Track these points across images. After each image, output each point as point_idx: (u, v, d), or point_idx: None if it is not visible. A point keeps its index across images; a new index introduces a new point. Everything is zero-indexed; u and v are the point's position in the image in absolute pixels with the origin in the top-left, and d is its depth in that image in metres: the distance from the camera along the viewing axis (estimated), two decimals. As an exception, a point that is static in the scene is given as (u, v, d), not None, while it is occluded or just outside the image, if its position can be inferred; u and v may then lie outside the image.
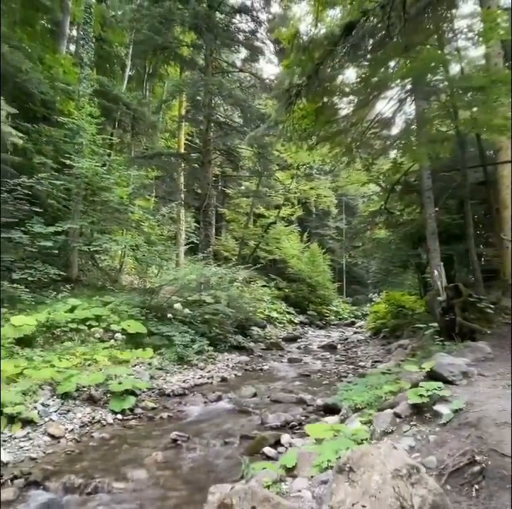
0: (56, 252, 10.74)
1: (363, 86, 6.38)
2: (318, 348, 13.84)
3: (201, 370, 8.59)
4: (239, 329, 13.20)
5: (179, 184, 16.29)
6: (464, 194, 10.43)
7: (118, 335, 8.23)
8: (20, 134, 9.85)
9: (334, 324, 25.29)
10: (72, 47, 20.96)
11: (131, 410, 5.73)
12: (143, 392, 6.45)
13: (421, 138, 9.69)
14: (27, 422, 4.78)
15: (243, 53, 17.23)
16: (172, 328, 9.53)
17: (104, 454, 4.32)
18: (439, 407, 3.09)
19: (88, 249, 11.65)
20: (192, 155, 16.75)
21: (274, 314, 21.14)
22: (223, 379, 8.05)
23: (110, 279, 13.24)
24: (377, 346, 13.01)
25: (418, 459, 2.48)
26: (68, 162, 10.91)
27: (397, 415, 3.28)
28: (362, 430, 3.26)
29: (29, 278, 9.31)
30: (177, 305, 10.02)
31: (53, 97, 13.49)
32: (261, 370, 9.47)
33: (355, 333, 19.02)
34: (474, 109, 8.83)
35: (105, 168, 11.86)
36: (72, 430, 4.90)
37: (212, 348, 10.25)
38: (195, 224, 21.74)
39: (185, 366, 8.50)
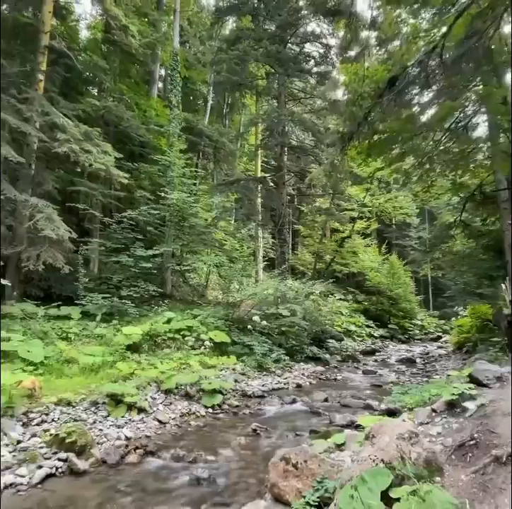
0: (154, 271, 12.57)
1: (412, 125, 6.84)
2: (396, 361, 13.89)
3: (279, 376, 9.47)
4: (315, 340, 13.83)
5: (256, 205, 17.63)
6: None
7: (206, 343, 9.48)
8: (124, 174, 11.79)
9: (418, 339, 24.35)
10: (160, 83, 23.79)
11: (219, 406, 6.82)
12: (229, 392, 7.52)
13: (498, 148, 9.64)
14: (141, 410, 6.08)
15: (314, 78, 18.19)
16: (252, 338, 10.59)
17: (199, 437, 5.43)
18: (467, 403, 3.58)
19: (180, 268, 13.38)
20: (268, 178, 18.04)
21: (352, 328, 21.15)
22: (298, 386, 8.84)
23: (198, 294, 14.85)
24: (458, 360, 12.72)
25: (441, 439, 3.08)
26: (162, 194, 12.75)
27: (433, 410, 3.81)
28: (405, 422, 3.85)
29: (134, 295, 11.10)
30: (256, 318, 11.06)
31: (148, 137, 15.71)
32: (335, 379, 10.05)
33: (439, 347, 18.42)
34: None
35: (192, 198, 13.52)
36: (174, 418, 6.11)
37: (288, 357, 11.07)
38: (273, 240, 22.97)
39: (264, 373, 9.47)
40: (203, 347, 9.39)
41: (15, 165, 9.66)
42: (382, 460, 2.33)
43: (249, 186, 16.36)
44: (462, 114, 9.28)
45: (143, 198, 13.48)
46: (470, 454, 2.59)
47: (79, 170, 11.40)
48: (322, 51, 18.02)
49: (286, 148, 16.17)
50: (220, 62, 15.58)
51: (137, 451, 4.86)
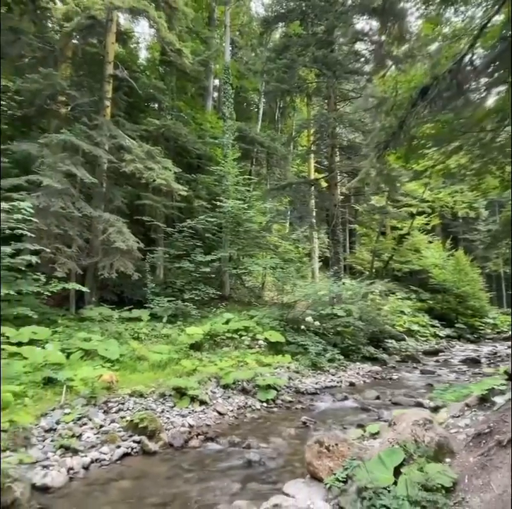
0: (213, 275, 13.42)
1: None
2: (459, 362, 13.44)
3: (332, 375, 9.75)
4: (373, 341, 13.80)
5: (310, 207, 17.90)
6: None
7: (261, 342, 10.03)
8: (183, 187, 12.71)
9: (489, 338, 22.97)
10: (215, 93, 24.89)
11: (273, 400, 7.32)
12: (283, 388, 7.98)
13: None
14: (203, 402, 6.76)
15: (364, 77, 18.04)
16: (306, 338, 10.96)
17: (254, 427, 5.97)
18: (496, 398, 3.69)
19: (236, 271, 14.12)
20: (320, 179, 18.25)
21: (415, 327, 20.57)
22: (352, 384, 9.07)
23: (254, 296, 15.48)
24: (528, 361, 12.04)
25: (467, 429, 3.28)
26: (218, 203, 13.55)
27: (466, 405, 3.95)
28: (440, 415, 4.05)
29: (195, 298, 12.00)
30: (309, 318, 11.40)
31: (204, 149, 16.67)
32: (390, 379, 10.10)
33: (509, 347, 17.36)
34: None
35: (246, 204, 14.18)
36: (232, 410, 6.72)
37: (343, 357, 11.26)
38: (328, 240, 23.04)
39: (318, 371, 9.81)
40: (258, 346, 9.94)
41: (90, 184, 10.93)
42: (397, 442, 2.67)
43: (302, 189, 16.67)
44: None
45: (201, 207, 14.38)
46: (484, 441, 2.80)
47: (144, 184, 12.54)
48: (372, 48, 17.83)
49: (336, 149, 16.27)
50: (269, 71, 16.11)
51: (199, 437, 5.52)
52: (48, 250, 9.21)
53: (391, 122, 5.77)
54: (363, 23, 17.87)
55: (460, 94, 4.79)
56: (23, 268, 8.58)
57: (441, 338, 20.94)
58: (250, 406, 6.98)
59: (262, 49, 23.61)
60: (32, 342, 7.66)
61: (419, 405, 6.79)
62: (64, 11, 11.01)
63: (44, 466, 4.36)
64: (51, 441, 4.89)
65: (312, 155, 19.92)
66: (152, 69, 19.35)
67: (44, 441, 4.89)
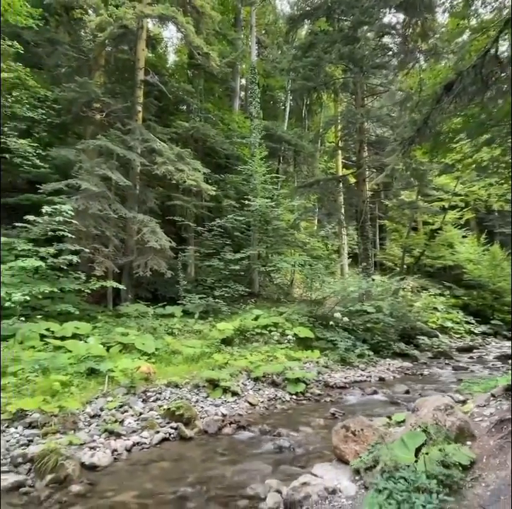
0: (242, 273, 13.73)
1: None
2: (493, 358, 13.13)
3: (362, 370, 9.82)
4: (404, 337, 13.70)
5: (338, 203, 17.89)
6: None
7: (289, 338, 10.23)
8: (212, 187, 13.06)
9: (529, 336, 22.14)
10: (242, 92, 25.17)
11: (303, 393, 7.51)
12: (312, 382, 8.15)
13: None
14: (234, 393, 7.04)
15: (392, 71, 17.81)
16: (335, 334, 11.06)
17: (283, 417, 6.19)
18: None
19: (265, 269, 14.36)
20: (348, 175, 18.19)
21: (449, 324, 20.17)
22: (381, 379, 9.11)
23: (283, 293, 15.68)
24: None
25: (491, 417, 3.36)
26: (246, 202, 13.83)
27: (492, 395, 3.99)
28: (467, 406, 4.12)
29: (225, 295, 12.34)
30: (337, 315, 11.48)
31: (232, 149, 16.99)
32: (421, 374, 10.05)
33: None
34: None
35: (273, 202, 14.39)
36: (262, 401, 6.97)
37: (373, 353, 11.28)
38: (357, 236, 22.87)
39: (347, 366, 9.90)
40: (287, 342, 10.13)
41: (124, 187, 11.46)
42: (419, 426, 2.82)
43: (329, 185, 16.69)
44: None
45: (230, 206, 14.71)
46: (505, 427, 2.89)
47: (175, 185, 12.99)
48: (399, 41, 17.58)
49: (364, 145, 16.19)
50: (295, 70, 16.21)
51: (231, 425, 5.80)
52: (87, 250, 9.78)
53: (416, 118, 5.79)
54: (389, 17, 17.54)
55: (485, 88, 4.79)
56: (65, 268, 9.18)
57: (476, 335, 20.38)
58: (280, 398, 7.21)
59: (288, 46, 23.70)
60: (74, 336, 8.20)
61: (457, 402, 6.79)
62: (97, 23, 11.54)
63: (91, 448, 4.75)
64: (97, 426, 5.30)
65: (339, 152, 19.87)
66: (180, 72, 19.86)
67: (90, 426, 5.31)
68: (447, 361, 12.43)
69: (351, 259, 21.96)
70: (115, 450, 4.77)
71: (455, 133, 6.90)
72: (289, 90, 19.71)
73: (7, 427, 5.00)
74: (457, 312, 22.10)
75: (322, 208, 18.01)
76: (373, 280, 14.58)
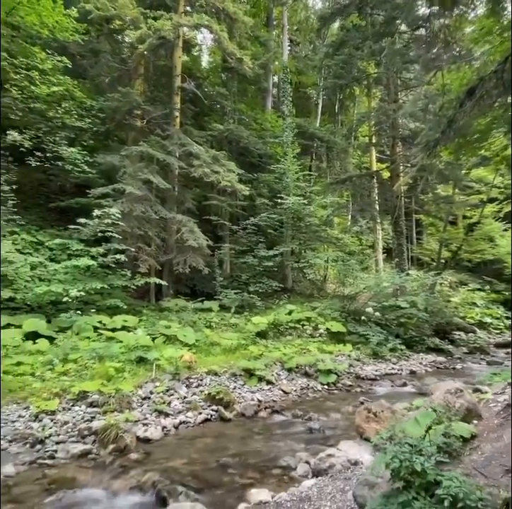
0: (276, 269, 14.20)
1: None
2: (532, 354, 12.90)
3: (393, 364, 10.07)
4: (439, 332, 13.68)
5: (372, 198, 17.93)
6: None
7: (323, 332, 10.62)
8: (246, 187, 13.58)
9: None
10: (275, 90, 25.48)
11: (334, 384, 7.93)
12: (343, 373, 8.53)
13: None
14: (269, 382, 7.57)
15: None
16: (367, 328, 11.33)
17: (315, 404, 6.66)
18: None
19: (298, 265, 14.76)
20: (381, 171, 18.19)
21: (488, 320, 19.75)
22: (412, 372, 9.34)
23: (316, 288, 16.02)
24: None
25: (505, 402, 3.66)
26: (279, 200, 14.26)
27: (509, 383, 4.26)
28: (486, 395, 4.41)
29: (259, 290, 12.87)
30: (369, 309, 11.73)
31: (265, 149, 17.42)
32: (453, 368, 10.16)
33: None
34: None
35: (306, 199, 14.72)
36: (295, 390, 7.46)
37: (406, 347, 11.45)
38: (392, 231, 22.72)
39: (379, 360, 10.17)
40: (319, 335, 10.53)
41: (164, 189, 12.21)
42: (431, 407, 3.19)
43: (362, 181, 16.80)
44: None
45: (263, 204, 15.20)
46: (507, 408, 3.21)
47: (210, 186, 13.64)
48: (430, 34, 17.31)
49: (398, 140, 16.15)
50: (327, 67, 16.42)
51: (266, 409, 6.34)
52: (132, 249, 10.60)
53: (440, 121, 5.98)
54: (423, 9, 17.28)
55: (507, 92, 4.94)
56: (113, 266, 10.03)
57: (517, 330, 19.85)
58: (312, 388, 7.66)
59: (320, 42, 23.76)
60: (123, 328, 9.01)
61: (477, 391, 6.98)
62: (137, 36, 12.30)
63: (144, 424, 5.44)
64: (148, 406, 6.00)
65: (373, 147, 19.85)
66: (214, 74, 20.47)
67: (142, 406, 6.02)
68: (482, 356, 12.37)
69: (386, 254, 21.89)
70: (165, 427, 5.43)
71: (480, 133, 6.97)
72: (321, 86, 19.87)
73: (72, 406, 5.78)
74: (498, 308, 21.53)
75: (355, 204, 18.11)
76: (408, 275, 14.61)
